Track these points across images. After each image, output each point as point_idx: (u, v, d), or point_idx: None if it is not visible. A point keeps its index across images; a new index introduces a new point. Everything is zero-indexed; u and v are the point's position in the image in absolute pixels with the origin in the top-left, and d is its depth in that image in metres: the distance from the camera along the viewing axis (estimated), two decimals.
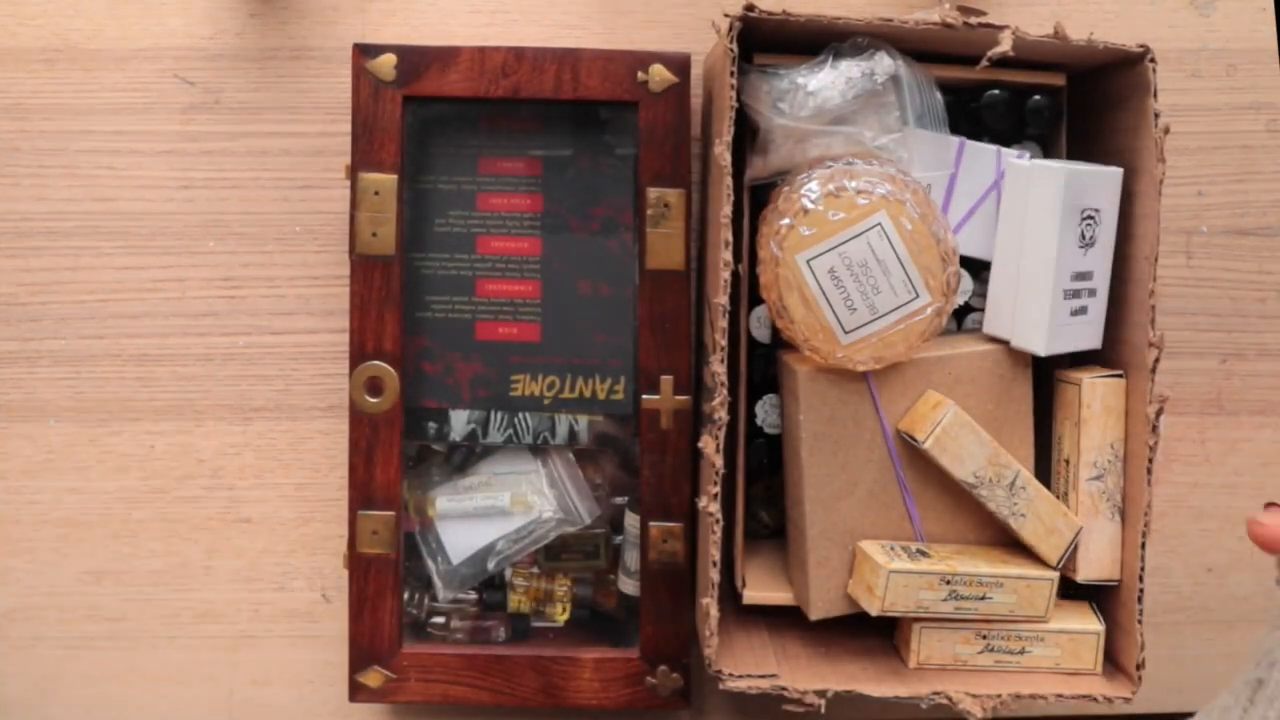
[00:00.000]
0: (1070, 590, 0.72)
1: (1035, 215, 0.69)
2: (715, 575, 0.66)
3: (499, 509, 0.78)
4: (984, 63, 0.69)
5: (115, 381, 0.82)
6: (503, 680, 0.76)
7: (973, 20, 0.67)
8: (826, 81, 0.68)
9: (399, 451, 0.75)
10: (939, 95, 0.71)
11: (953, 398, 0.70)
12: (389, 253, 0.74)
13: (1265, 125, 0.84)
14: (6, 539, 0.82)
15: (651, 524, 0.74)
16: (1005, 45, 0.68)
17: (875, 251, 0.66)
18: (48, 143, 0.82)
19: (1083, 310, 0.70)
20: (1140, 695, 0.68)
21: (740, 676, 0.68)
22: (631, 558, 0.77)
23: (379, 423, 0.75)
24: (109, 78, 0.82)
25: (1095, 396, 0.70)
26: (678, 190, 0.74)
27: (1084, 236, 0.69)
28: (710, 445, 0.66)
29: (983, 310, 0.73)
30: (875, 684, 0.68)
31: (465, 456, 0.80)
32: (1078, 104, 0.75)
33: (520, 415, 0.77)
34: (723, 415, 0.66)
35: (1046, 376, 0.73)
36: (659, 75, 0.74)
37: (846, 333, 0.67)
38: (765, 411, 0.75)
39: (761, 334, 0.75)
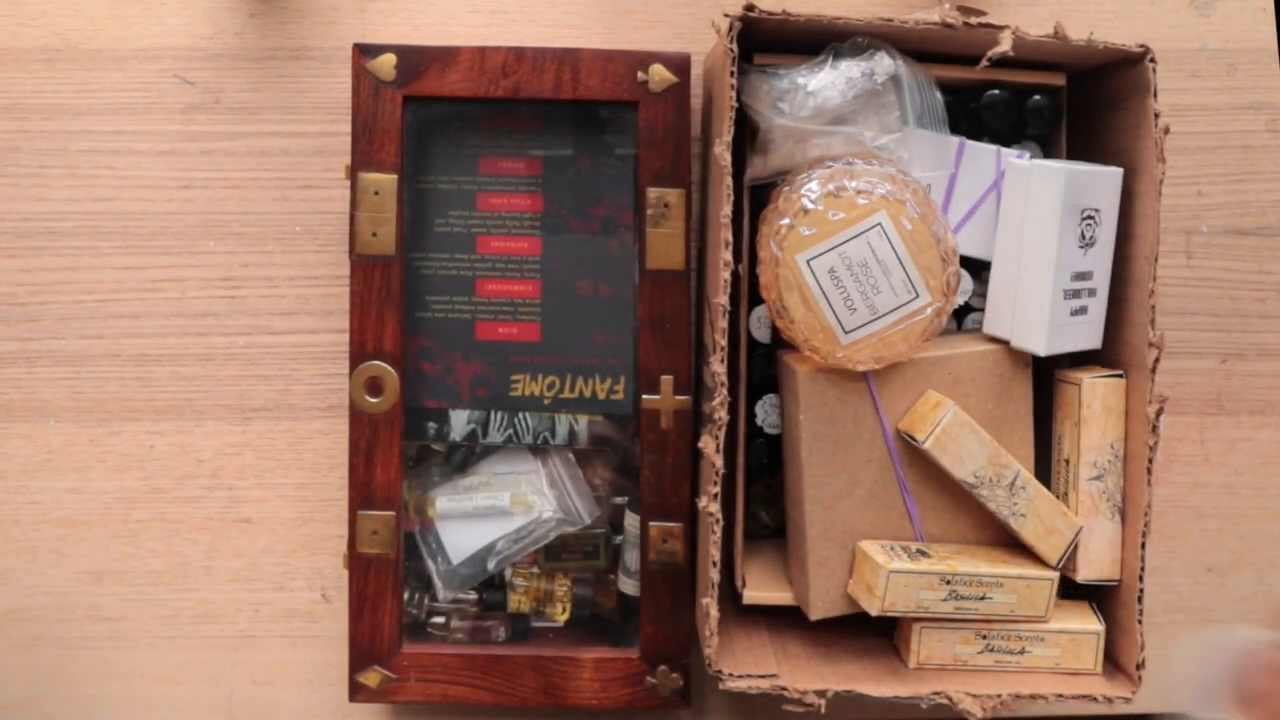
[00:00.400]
0: (1070, 590, 0.72)
1: (1035, 215, 0.69)
2: (715, 575, 0.66)
3: (499, 509, 0.78)
4: (984, 63, 0.69)
5: (115, 381, 0.82)
6: (503, 680, 0.76)
7: (973, 20, 0.67)
8: (826, 81, 0.68)
9: (399, 451, 0.75)
10: (939, 95, 0.71)
11: (953, 398, 0.70)
12: (389, 253, 0.74)
13: (1265, 125, 0.84)
14: (6, 539, 0.82)
15: (651, 524, 0.74)
16: (1005, 45, 0.68)
17: (875, 251, 0.66)
18: (48, 143, 0.82)
19: (1083, 310, 0.70)
20: (1140, 695, 0.68)
21: (740, 676, 0.68)
22: (631, 558, 0.77)
23: (379, 423, 0.75)
24: (109, 78, 0.82)
25: (1095, 396, 0.70)
26: (678, 190, 0.74)
27: (1084, 236, 0.69)
28: (710, 445, 0.66)
29: (983, 310, 0.73)
30: (875, 684, 0.68)
31: (465, 456, 0.80)
32: (1078, 104, 0.75)
33: (520, 415, 0.77)
34: (723, 415, 0.66)
35: (1046, 376, 0.73)
36: (659, 75, 0.74)
37: (846, 333, 0.67)
38: (765, 411, 0.75)
39: (761, 334, 0.75)
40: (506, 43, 0.75)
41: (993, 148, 0.73)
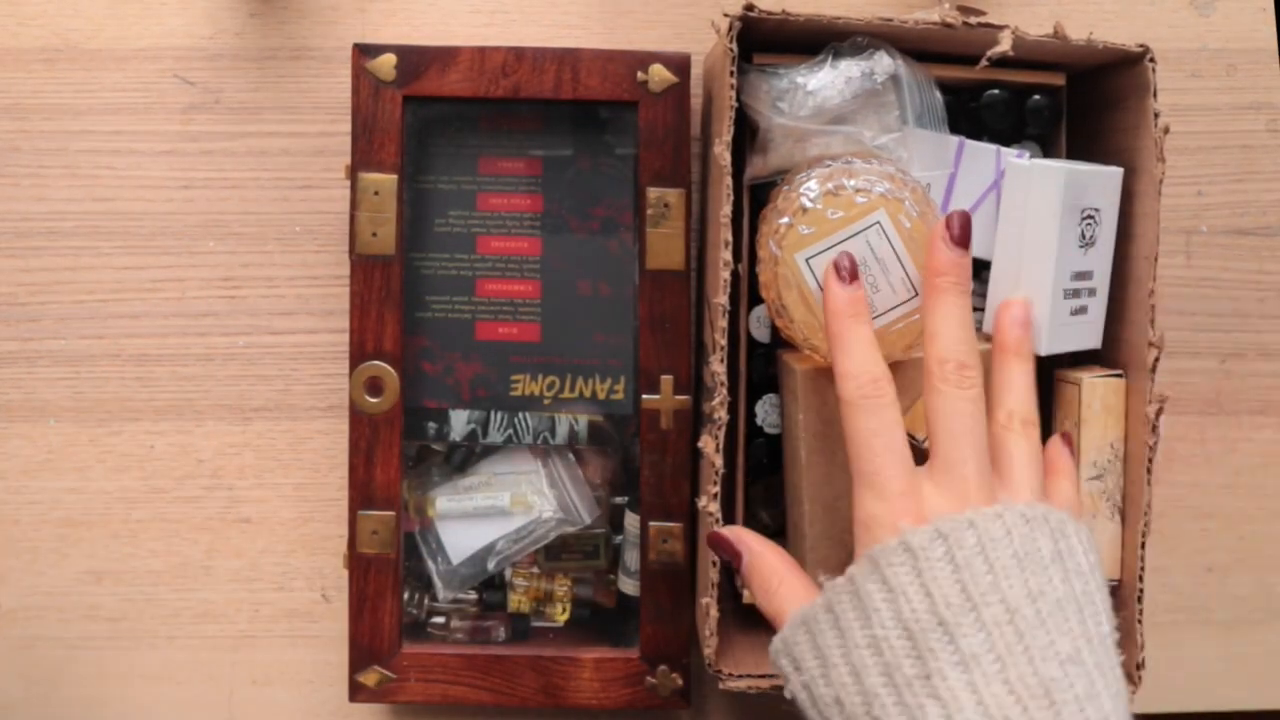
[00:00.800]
0: None
1: (1035, 215, 0.69)
2: (715, 575, 0.66)
3: (499, 509, 0.78)
4: (984, 63, 0.69)
5: (115, 381, 0.82)
6: (503, 680, 0.76)
7: (973, 20, 0.67)
8: (826, 81, 0.68)
9: (399, 451, 0.75)
10: (939, 95, 0.71)
11: None
12: (389, 253, 0.74)
13: (1265, 125, 0.84)
14: (6, 539, 0.82)
15: (651, 524, 0.74)
16: (1005, 45, 0.68)
17: (874, 250, 0.66)
18: (48, 143, 0.82)
19: (1083, 310, 0.70)
20: (1140, 695, 0.68)
21: (740, 676, 0.68)
22: (631, 558, 0.77)
23: (379, 423, 0.75)
24: (109, 78, 0.82)
25: (1095, 396, 0.70)
26: (678, 190, 0.74)
27: (1084, 236, 0.69)
28: (710, 445, 0.66)
29: (983, 310, 0.73)
30: None
31: (465, 456, 0.80)
32: (1078, 104, 0.76)
33: (520, 415, 0.77)
34: (722, 415, 0.66)
35: (1046, 376, 0.73)
36: (659, 75, 0.74)
37: None
38: (765, 411, 0.75)
39: (761, 334, 0.75)
40: (506, 43, 0.75)
41: (992, 147, 0.73)
